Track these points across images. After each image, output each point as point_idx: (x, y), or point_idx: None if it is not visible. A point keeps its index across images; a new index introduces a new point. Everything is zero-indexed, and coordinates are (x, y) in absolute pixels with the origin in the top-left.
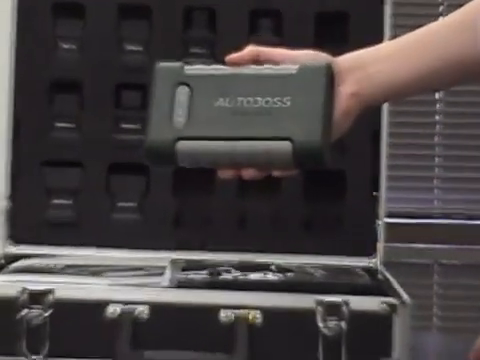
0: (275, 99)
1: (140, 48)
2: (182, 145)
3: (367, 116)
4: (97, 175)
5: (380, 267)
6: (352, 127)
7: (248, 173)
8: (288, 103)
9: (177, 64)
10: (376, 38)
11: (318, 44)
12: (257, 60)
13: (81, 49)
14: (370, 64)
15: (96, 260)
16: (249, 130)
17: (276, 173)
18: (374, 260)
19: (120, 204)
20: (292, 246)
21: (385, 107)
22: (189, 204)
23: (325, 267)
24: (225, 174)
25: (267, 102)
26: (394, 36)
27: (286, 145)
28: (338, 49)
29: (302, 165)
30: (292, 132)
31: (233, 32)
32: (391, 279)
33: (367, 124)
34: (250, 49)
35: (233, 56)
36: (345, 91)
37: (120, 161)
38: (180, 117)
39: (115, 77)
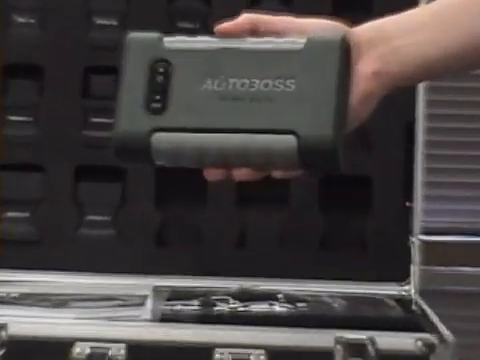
0: (276, 81)
1: (114, 22)
2: (159, 138)
3: (398, 106)
4: (61, 181)
5: (415, 296)
6: (379, 120)
7: (241, 174)
8: (292, 86)
9: (154, 35)
10: (409, 3)
11: (336, 14)
12: (255, 31)
13: (41, 24)
14: (397, 35)
15: (60, 287)
16: (243, 120)
17: (277, 174)
18: (407, 287)
19: (90, 217)
20: (304, 270)
21: (420, 94)
22: (176, 217)
23: (346, 296)
24: (212, 175)
25: (266, 85)
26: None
27: (289, 140)
28: (361, 20)
29: (309, 165)
30: (297, 123)
31: (230, 1)
32: (429, 311)
33: (398, 116)
34: (246, 17)
35: (225, 26)
36: (364, 70)
37: (90, 163)
38: (157, 103)
39: (83, 59)
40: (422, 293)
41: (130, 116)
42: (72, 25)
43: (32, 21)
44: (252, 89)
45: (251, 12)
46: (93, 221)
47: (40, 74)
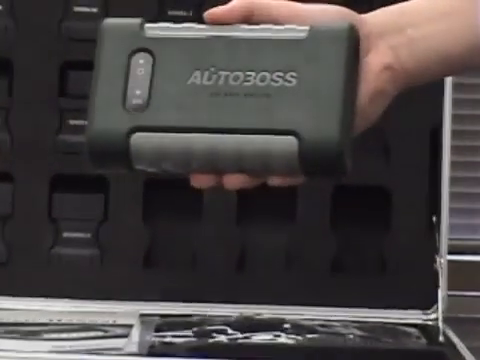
0: (275, 75)
1: (94, 9)
2: (139, 138)
3: (421, 107)
4: (34, 192)
5: (442, 325)
6: (400, 123)
7: (234, 180)
8: (293, 81)
9: (133, 21)
10: None
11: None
12: (249, 18)
13: (10, 12)
14: (413, 24)
15: (32, 315)
16: (236, 119)
17: (274, 181)
18: (433, 315)
19: (67, 234)
20: (314, 295)
21: (447, 94)
22: (167, 234)
23: (362, 325)
24: (200, 181)
25: (263, 79)
26: None
27: (289, 141)
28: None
29: (311, 171)
30: (298, 123)
31: None
32: (458, 342)
33: (421, 119)
34: (240, 1)
35: (215, 11)
36: (375, 63)
37: (67, 172)
38: (137, 98)
39: (59, 52)
40: (450, 321)
41: (106, 114)
42: (46, 13)
43: (0, 8)
44: (247, 83)
45: None
46: (71, 239)
47: (9, 70)
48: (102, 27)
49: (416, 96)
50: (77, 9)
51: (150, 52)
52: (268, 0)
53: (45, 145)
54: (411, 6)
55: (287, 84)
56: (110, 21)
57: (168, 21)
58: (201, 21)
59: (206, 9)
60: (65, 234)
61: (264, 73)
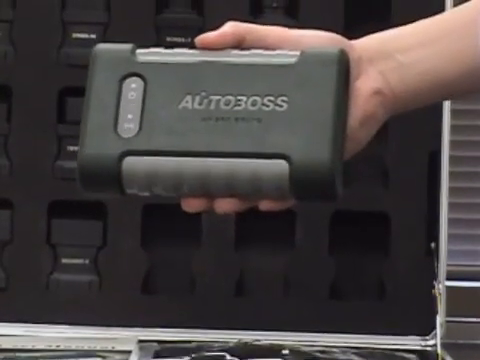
0: (266, 99)
1: (93, 36)
2: (131, 162)
3: (420, 133)
4: (33, 218)
5: (440, 351)
6: (398, 148)
7: (225, 205)
8: (284, 105)
9: (125, 47)
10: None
11: (350, 28)
12: (242, 43)
13: (9, 38)
14: (403, 49)
15: (30, 341)
16: (227, 142)
17: (265, 205)
18: (432, 341)
19: (66, 260)
20: (313, 321)
21: (445, 120)
22: (165, 260)
23: (361, 351)
24: (191, 205)
25: (254, 103)
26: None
27: (280, 165)
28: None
29: (302, 195)
30: (289, 147)
31: (228, 12)
32: None
33: (419, 144)
34: (232, 26)
35: (207, 36)
36: (365, 87)
37: (65, 198)
38: (129, 123)
39: (58, 78)
40: (449, 347)
41: (98, 138)
42: (45, 39)
43: None
44: (238, 108)
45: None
46: (70, 265)
47: (8, 96)
48: (94, 52)
49: (414, 122)
50: (76, 35)
51: (141, 77)
52: (259, 26)
53: (44, 171)
54: (401, 31)
55: (278, 108)
56: (102, 46)
57: (167, 47)
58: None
59: None
60: (64, 260)
61: (255, 97)
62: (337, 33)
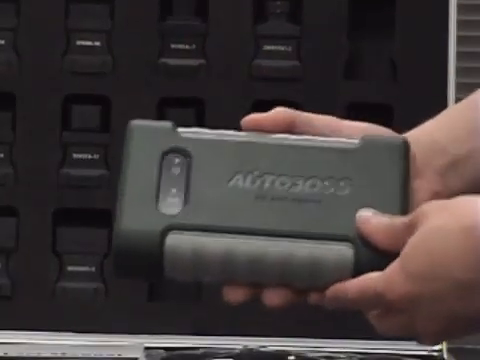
0: (326, 182)
1: (97, 43)
2: (176, 239)
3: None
4: (38, 226)
5: (446, 355)
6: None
7: (275, 297)
8: (347, 189)
9: (165, 123)
10: (436, 27)
11: (353, 34)
12: (292, 129)
13: (13, 46)
14: (452, 144)
15: (36, 349)
16: (285, 222)
17: (314, 298)
18: (438, 347)
19: (71, 268)
20: (318, 326)
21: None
22: None
23: (367, 357)
24: (236, 295)
25: (313, 185)
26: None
27: (344, 248)
28: (380, 40)
29: (359, 275)
30: (353, 229)
31: (231, 19)
32: None
33: None
34: (280, 111)
35: (257, 116)
36: (424, 190)
37: (70, 206)
38: (172, 197)
39: (62, 86)
40: (455, 352)
41: (137, 213)
42: (48, 47)
43: (2, 43)
44: (295, 189)
45: (285, 108)
46: (75, 272)
47: (12, 104)
48: (130, 127)
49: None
50: (80, 43)
51: (186, 152)
52: (311, 113)
53: (49, 179)
54: (443, 124)
55: (340, 192)
56: (139, 122)
57: (170, 54)
58: (204, 54)
59: (209, 42)
60: (69, 268)
61: (314, 179)
62: (340, 39)
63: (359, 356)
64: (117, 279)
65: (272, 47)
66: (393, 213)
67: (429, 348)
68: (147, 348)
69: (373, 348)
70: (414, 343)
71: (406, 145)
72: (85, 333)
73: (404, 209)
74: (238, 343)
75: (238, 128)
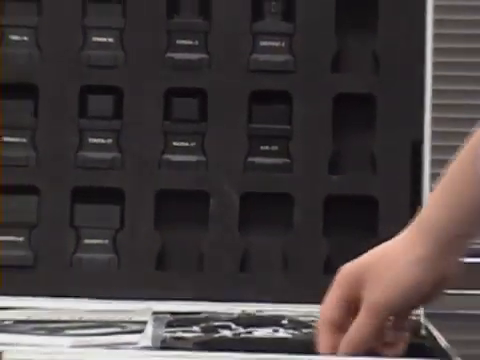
0: None
1: (110, 39)
2: None
3: (403, 124)
4: (57, 203)
5: (423, 320)
6: (384, 139)
7: None
8: None
9: None
10: (414, 25)
11: (340, 31)
12: None
13: (37, 41)
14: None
15: (56, 314)
16: None
17: None
18: (416, 311)
19: (87, 241)
20: (309, 293)
21: (427, 113)
22: (177, 240)
23: None
24: None
25: None
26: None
27: None
28: (364, 37)
29: None
30: None
31: (232, 17)
32: (438, 335)
33: (403, 135)
34: None
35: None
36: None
37: (86, 185)
38: None
39: (79, 77)
40: (431, 317)
41: None
42: (67, 43)
43: (25, 39)
44: None
45: None
46: (90, 245)
47: (35, 94)
48: None
49: (398, 116)
50: (95, 39)
51: None
52: None
53: (67, 161)
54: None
55: None
56: None
57: (176, 49)
58: (206, 49)
59: (211, 38)
60: (85, 241)
61: None
62: (328, 35)
63: None
64: (128, 251)
65: (268, 43)
66: None
67: None
68: (155, 312)
69: None
70: None
71: None
72: (99, 299)
73: None
74: (237, 308)
75: (236, 115)
